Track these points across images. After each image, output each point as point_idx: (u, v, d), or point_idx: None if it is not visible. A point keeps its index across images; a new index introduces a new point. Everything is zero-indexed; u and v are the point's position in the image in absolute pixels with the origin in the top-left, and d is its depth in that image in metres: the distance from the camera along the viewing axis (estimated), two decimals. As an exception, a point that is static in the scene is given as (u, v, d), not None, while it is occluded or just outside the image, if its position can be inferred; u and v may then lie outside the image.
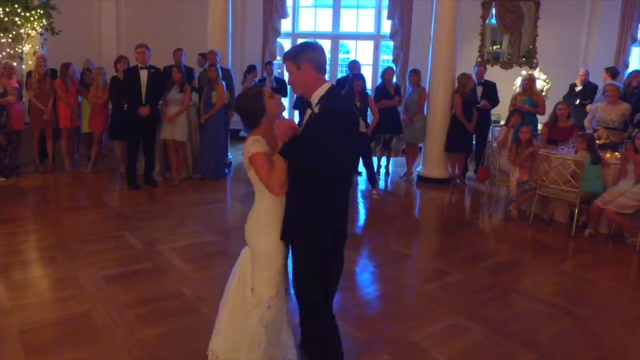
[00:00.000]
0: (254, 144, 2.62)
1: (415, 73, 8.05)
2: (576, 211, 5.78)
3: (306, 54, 2.63)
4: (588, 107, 7.48)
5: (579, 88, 8.17)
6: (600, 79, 8.01)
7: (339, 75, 11.14)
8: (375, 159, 8.08)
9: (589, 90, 7.99)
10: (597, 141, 6.27)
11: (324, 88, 2.64)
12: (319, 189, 2.58)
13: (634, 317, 4.01)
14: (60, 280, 4.22)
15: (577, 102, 8.04)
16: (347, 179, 2.83)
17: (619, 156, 5.95)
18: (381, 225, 6.15)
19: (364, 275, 4.74)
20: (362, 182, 7.87)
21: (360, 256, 5.14)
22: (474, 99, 7.75)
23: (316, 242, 2.63)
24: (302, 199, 2.61)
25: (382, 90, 8.08)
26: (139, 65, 6.82)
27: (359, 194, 7.37)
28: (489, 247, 5.58)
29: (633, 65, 9.49)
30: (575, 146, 6.02)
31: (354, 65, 8.35)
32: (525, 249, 5.57)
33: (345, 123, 2.58)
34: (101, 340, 3.33)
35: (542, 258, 5.22)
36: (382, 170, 8.54)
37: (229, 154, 8.31)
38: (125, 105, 6.93)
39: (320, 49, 2.68)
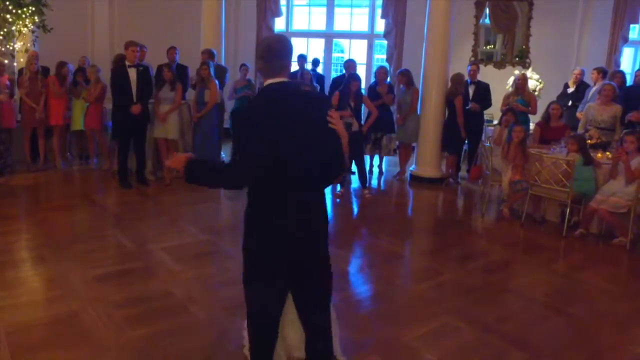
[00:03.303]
0: None
1: (403, 74, 7.99)
2: (568, 211, 5.80)
3: (260, 53, 2.46)
4: (579, 113, 7.40)
5: (571, 89, 8.16)
6: (591, 79, 8.01)
7: (334, 74, 11.15)
8: (367, 158, 8.06)
9: (582, 91, 7.97)
10: (589, 141, 6.29)
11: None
12: (252, 192, 2.48)
13: (624, 316, 4.02)
14: (50, 280, 4.18)
15: (570, 103, 8.02)
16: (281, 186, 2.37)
17: (610, 156, 5.98)
18: (373, 225, 6.14)
19: (356, 275, 4.73)
20: (354, 180, 7.86)
21: (353, 256, 5.13)
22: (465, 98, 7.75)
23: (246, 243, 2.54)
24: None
25: (373, 90, 8.05)
26: (127, 63, 6.76)
27: (352, 194, 7.36)
28: (480, 247, 5.59)
29: (624, 66, 9.54)
30: (567, 147, 6.04)
31: (350, 64, 8.33)
32: (517, 248, 5.58)
33: (241, 122, 2.40)
34: (90, 341, 3.30)
35: (533, 258, 5.23)
36: (376, 170, 8.53)
37: (221, 153, 8.26)
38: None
39: (273, 51, 2.38)
